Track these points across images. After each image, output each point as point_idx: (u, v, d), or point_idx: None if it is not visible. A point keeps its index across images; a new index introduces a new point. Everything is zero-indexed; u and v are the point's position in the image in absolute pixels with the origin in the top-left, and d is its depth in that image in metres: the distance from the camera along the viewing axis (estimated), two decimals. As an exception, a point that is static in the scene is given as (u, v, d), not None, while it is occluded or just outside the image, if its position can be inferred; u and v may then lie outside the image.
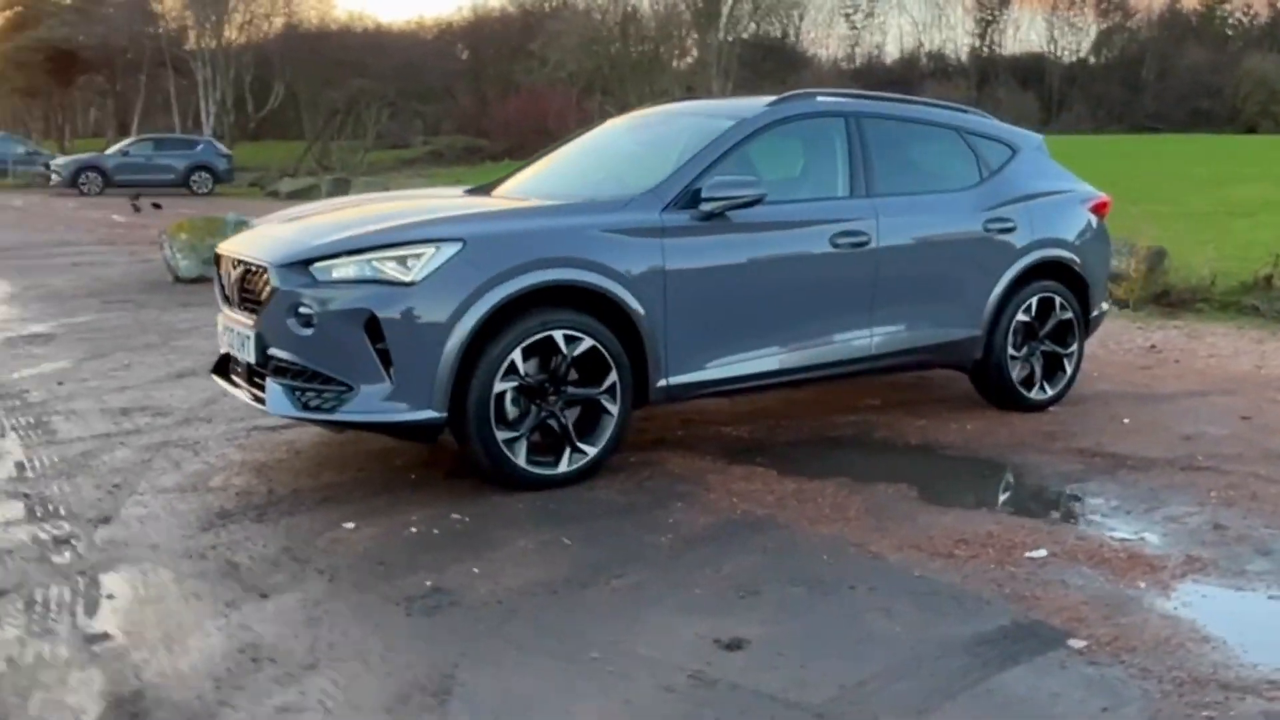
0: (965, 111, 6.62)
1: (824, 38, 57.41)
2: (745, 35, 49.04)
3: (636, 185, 5.27)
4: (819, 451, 5.55)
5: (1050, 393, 6.41)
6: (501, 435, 4.67)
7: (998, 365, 6.21)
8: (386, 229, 4.79)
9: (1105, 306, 6.89)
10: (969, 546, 4.23)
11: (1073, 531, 4.43)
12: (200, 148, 34.53)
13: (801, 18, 52.30)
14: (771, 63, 44.58)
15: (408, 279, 4.54)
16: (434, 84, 39.62)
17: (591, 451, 4.89)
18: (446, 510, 4.56)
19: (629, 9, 40.46)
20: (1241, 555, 4.20)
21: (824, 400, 6.58)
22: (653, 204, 5.11)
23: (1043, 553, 4.19)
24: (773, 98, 5.83)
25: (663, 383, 5.07)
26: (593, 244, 4.87)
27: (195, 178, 32.95)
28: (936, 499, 4.80)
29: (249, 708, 3.02)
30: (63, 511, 4.57)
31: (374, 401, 4.55)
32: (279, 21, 51.84)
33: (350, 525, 4.40)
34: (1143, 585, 3.90)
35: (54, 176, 32.91)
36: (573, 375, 4.87)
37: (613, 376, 4.89)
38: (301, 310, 4.60)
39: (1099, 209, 6.71)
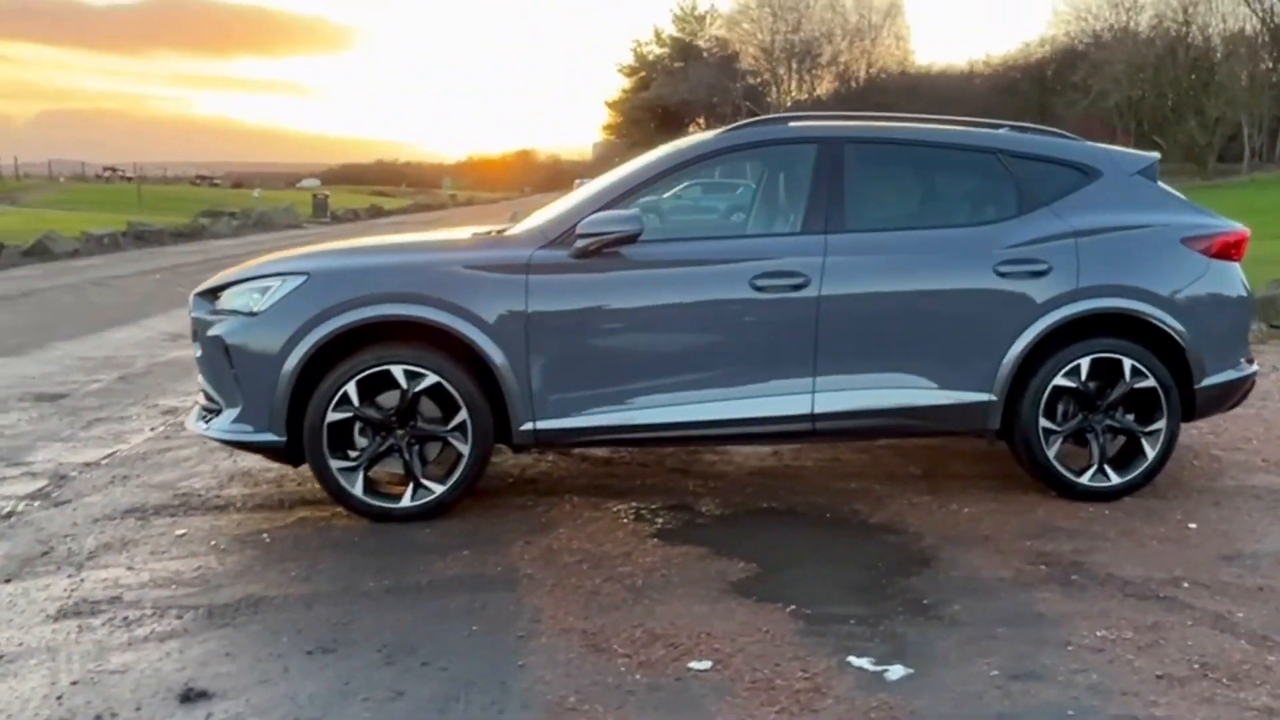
0: (1033, 132, 5.30)
1: None
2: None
3: None
4: (741, 520, 4.79)
5: (1116, 480, 4.92)
6: (336, 464, 4.66)
7: (1025, 440, 4.91)
8: (261, 263, 5.00)
9: (1241, 373, 5.11)
10: (644, 647, 3.47)
11: (766, 645, 3.47)
12: (738, 191, 36.64)
13: None
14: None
15: (256, 309, 4.71)
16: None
17: (438, 490, 4.70)
18: (275, 528, 4.66)
19: (1188, 31, 35.95)
20: (947, 707, 3.02)
21: (854, 464, 5.63)
22: (533, 240, 4.78)
23: (706, 665, 3.34)
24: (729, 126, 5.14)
25: (528, 426, 4.71)
26: (445, 281, 4.67)
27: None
28: (746, 588, 3.97)
29: None
30: (55, 493, 5.31)
31: (228, 422, 4.77)
32: (862, 71, 53.44)
33: (180, 532, 4.65)
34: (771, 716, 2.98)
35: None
36: (434, 412, 4.72)
37: (462, 415, 4.66)
38: (197, 335, 4.96)
39: (1224, 249, 5.02)
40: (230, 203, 42.19)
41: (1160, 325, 4.90)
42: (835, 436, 5.04)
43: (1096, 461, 4.93)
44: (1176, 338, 4.91)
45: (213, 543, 4.51)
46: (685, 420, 4.78)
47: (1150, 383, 4.90)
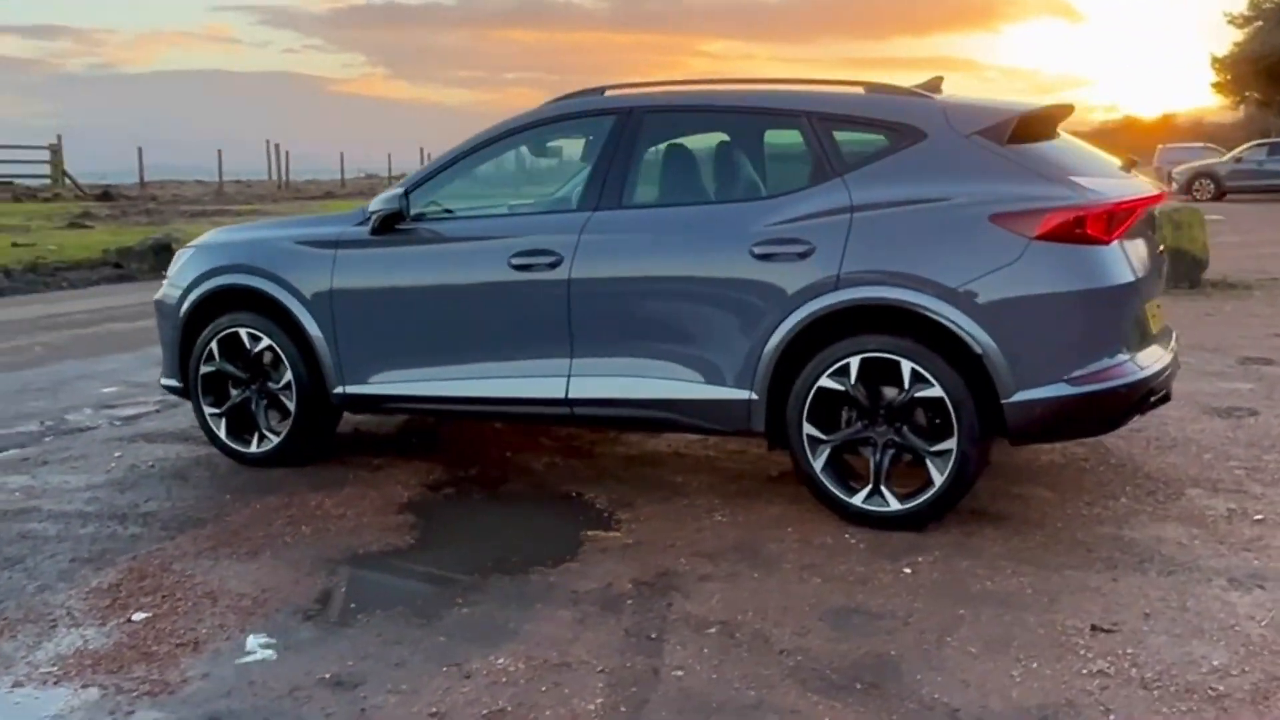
0: (882, 91, 4.31)
1: None
2: None
3: None
4: (499, 499, 4.67)
5: (895, 506, 3.99)
6: (208, 410, 5.28)
7: (790, 447, 4.15)
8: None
9: (1086, 389, 3.79)
10: (142, 595, 3.65)
11: (227, 612, 3.50)
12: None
13: None
14: None
15: (170, 274, 5.46)
16: None
17: (274, 440, 5.13)
18: (174, 459, 5.41)
19: None
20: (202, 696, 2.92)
21: (746, 459, 5.06)
22: (352, 218, 4.99)
23: (143, 616, 3.50)
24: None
25: (339, 390, 4.96)
26: (275, 254, 5.06)
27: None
28: (354, 559, 3.98)
29: None
30: (142, 418, 6.53)
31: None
32: None
33: (118, 454, 5.55)
34: None
35: (1173, 184, 32.57)
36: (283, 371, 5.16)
37: (288, 376, 5.04)
38: None
39: (1062, 229, 3.77)
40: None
41: (943, 322, 3.85)
42: (598, 424, 4.65)
43: (872, 481, 4.02)
44: (967, 339, 3.82)
45: (110, 467, 5.33)
46: (456, 395, 4.74)
47: (936, 392, 3.88)
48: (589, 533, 4.19)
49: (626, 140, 4.50)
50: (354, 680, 3.03)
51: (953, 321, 3.84)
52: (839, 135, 4.19)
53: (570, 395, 4.49)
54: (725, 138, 4.57)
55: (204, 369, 5.24)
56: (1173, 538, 3.88)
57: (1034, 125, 4.17)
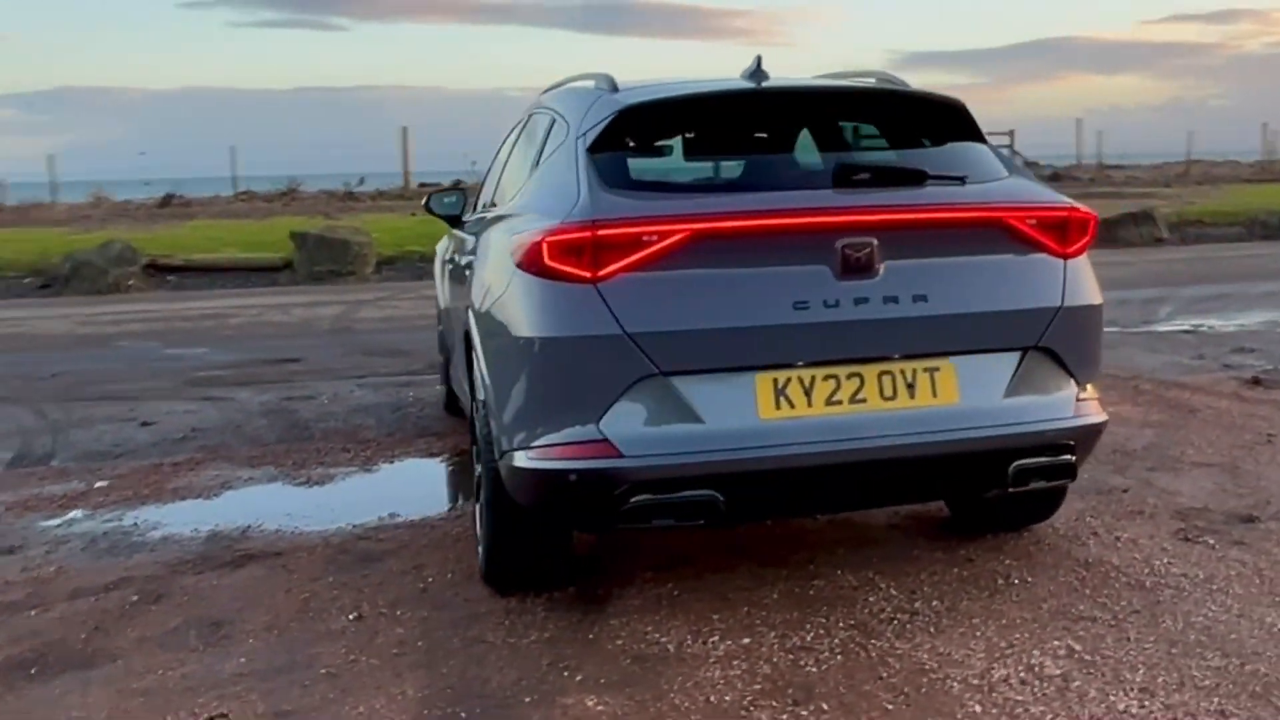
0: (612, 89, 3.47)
1: None
2: None
3: None
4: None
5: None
6: (440, 359, 6.40)
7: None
8: None
9: (539, 463, 2.86)
10: (148, 469, 5.09)
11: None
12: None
13: None
14: None
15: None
16: None
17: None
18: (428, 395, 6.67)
19: None
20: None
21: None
22: (484, 210, 5.58)
23: (103, 483, 4.91)
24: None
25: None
26: (447, 240, 5.90)
27: None
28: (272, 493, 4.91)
29: None
30: None
31: None
32: None
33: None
34: None
35: None
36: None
37: (448, 342, 5.91)
38: None
39: (530, 256, 2.94)
40: None
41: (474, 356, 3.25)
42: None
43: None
44: (477, 378, 3.24)
45: (399, 394, 6.79)
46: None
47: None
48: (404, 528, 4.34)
49: (545, 140, 4.40)
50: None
51: (478, 356, 3.24)
52: (555, 134, 3.62)
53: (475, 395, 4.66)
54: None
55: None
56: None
57: (686, 120, 3.12)
